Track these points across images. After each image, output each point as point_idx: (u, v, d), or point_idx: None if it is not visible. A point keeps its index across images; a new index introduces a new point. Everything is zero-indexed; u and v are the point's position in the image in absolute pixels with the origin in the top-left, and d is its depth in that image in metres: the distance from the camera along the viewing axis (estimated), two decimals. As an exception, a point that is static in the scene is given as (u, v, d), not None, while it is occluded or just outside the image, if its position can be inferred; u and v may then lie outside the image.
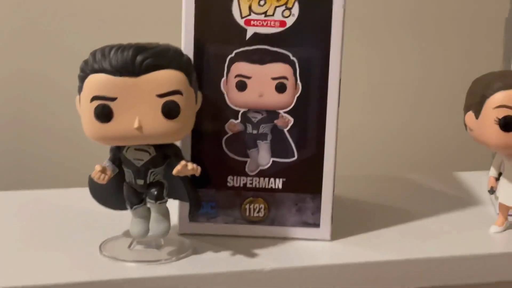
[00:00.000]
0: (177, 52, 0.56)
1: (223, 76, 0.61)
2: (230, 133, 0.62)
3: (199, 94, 0.59)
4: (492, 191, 0.67)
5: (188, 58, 0.58)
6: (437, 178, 0.83)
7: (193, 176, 0.58)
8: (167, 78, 0.55)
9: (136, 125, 0.55)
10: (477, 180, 0.81)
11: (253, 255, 0.61)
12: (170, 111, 0.55)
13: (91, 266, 0.58)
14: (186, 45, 0.61)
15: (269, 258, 0.61)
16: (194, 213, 0.60)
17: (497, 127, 0.63)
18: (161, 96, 0.55)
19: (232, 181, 0.63)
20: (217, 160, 0.62)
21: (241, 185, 0.63)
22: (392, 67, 0.97)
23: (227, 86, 0.61)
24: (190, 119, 0.57)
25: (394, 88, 0.98)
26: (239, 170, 0.63)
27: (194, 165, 0.56)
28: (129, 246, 0.60)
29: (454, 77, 0.96)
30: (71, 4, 0.89)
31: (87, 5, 0.89)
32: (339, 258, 0.62)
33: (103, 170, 0.56)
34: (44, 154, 0.91)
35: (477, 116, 0.65)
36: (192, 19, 0.60)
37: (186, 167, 0.56)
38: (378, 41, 0.97)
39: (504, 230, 0.68)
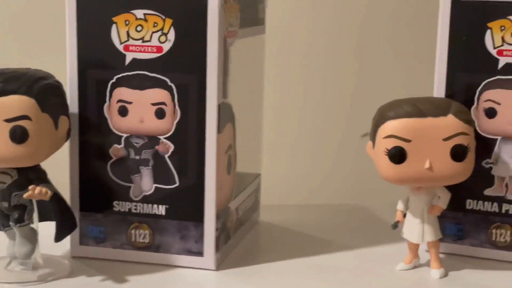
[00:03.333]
0: (32, 78, 0.58)
1: (105, 101, 0.62)
2: (114, 158, 0.63)
3: (63, 119, 0.59)
4: (395, 225, 0.63)
5: (46, 85, 0.58)
6: (375, 207, 0.80)
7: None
8: (13, 104, 0.56)
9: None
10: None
11: (131, 281, 0.61)
12: (15, 134, 0.56)
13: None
14: (71, 71, 0.62)
15: (147, 285, 0.60)
16: (61, 236, 0.61)
17: (386, 158, 0.60)
18: (8, 121, 0.56)
19: (118, 206, 0.63)
20: (103, 185, 0.63)
21: (127, 210, 0.63)
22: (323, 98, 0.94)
23: (110, 111, 0.62)
24: (44, 144, 0.58)
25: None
26: (124, 195, 0.63)
27: (43, 189, 0.57)
28: (6, 267, 0.62)
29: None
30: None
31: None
32: (220, 288, 0.60)
33: None
34: None
35: (374, 146, 0.61)
36: (75, 45, 0.62)
37: (34, 191, 0.57)
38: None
39: (412, 269, 0.64)
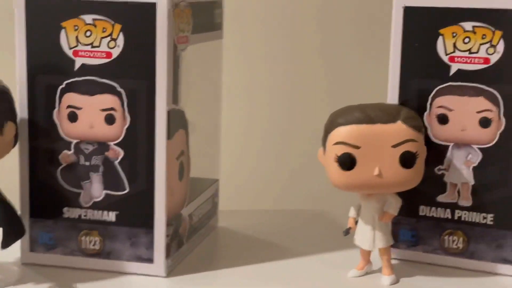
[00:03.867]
0: None
1: (55, 107, 0.61)
2: (64, 164, 0.62)
3: (9, 125, 0.59)
4: (347, 232, 0.63)
5: None
6: (336, 213, 0.79)
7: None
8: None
9: None
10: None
11: (80, 289, 0.60)
12: None
13: None
14: (20, 76, 0.61)
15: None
16: (8, 243, 0.60)
17: (336, 165, 0.59)
18: None
19: (68, 212, 0.63)
20: (53, 191, 0.62)
21: (77, 216, 0.63)
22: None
23: (59, 117, 0.61)
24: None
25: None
26: (74, 201, 0.62)
27: None
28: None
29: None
30: None
31: None
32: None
33: None
34: None
35: (324, 152, 0.61)
36: (24, 50, 0.61)
37: None
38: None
39: (364, 275, 0.63)
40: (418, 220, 0.66)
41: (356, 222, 0.63)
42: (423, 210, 0.66)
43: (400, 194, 0.64)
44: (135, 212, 0.62)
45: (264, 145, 0.95)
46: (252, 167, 0.94)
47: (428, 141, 0.64)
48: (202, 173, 0.73)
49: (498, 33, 0.61)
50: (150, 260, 0.62)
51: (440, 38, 0.63)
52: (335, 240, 0.71)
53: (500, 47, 0.61)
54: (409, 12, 0.63)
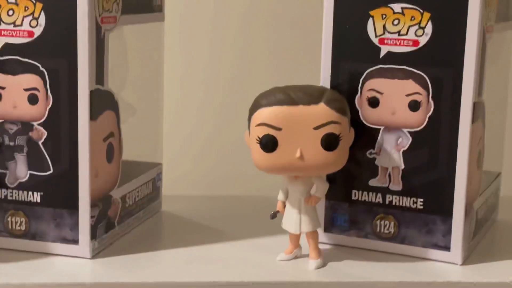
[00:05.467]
0: None
1: (-21, 86, 0.61)
2: (-11, 144, 0.62)
3: None
4: (274, 215, 0.62)
5: None
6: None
7: None
8: None
9: None
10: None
11: (4, 269, 0.60)
12: None
13: None
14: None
15: (20, 274, 0.60)
16: None
17: (258, 147, 0.59)
18: None
19: (-6, 192, 0.63)
20: (-21, 171, 0.62)
21: (3, 197, 0.62)
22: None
23: (-16, 96, 0.61)
24: None
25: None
26: (0, 182, 0.62)
27: None
28: None
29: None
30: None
31: None
32: (95, 277, 0.59)
33: None
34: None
35: (249, 134, 0.60)
36: None
37: None
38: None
39: (293, 259, 0.63)
40: (351, 204, 0.65)
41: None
42: (356, 195, 0.65)
43: (333, 178, 0.63)
44: (59, 193, 0.61)
45: (209, 130, 0.96)
46: (198, 153, 0.94)
47: (359, 125, 0.63)
48: (143, 157, 0.72)
49: (427, 15, 0.60)
50: (75, 241, 0.62)
51: (370, 20, 0.62)
52: (271, 224, 0.70)
53: (429, 29, 0.60)
54: (340, -6, 0.63)
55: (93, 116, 0.60)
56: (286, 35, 0.94)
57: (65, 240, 0.62)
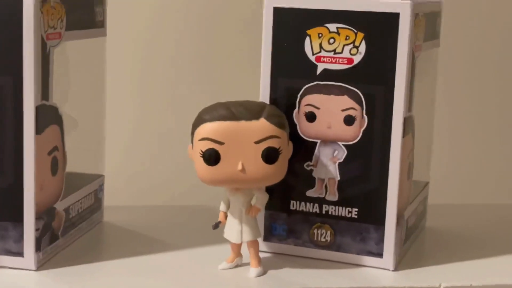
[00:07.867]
0: None
1: None
2: None
3: None
4: (216, 226, 0.65)
5: None
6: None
7: None
8: None
9: None
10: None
11: None
12: None
13: None
14: None
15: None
16: None
17: (202, 160, 0.61)
18: None
19: None
20: None
21: (-52, 210, 0.63)
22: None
23: None
24: None
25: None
26: None
27: None
28: None
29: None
30: None
31: None
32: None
33: None
34: None
35: (192, 148, 0.63)
36: None
37: None
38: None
39: (234, 267, 0.65)
40: (289, 214, 0.68)
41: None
42: (294, 205, 0.68)
43: (272, 189, 0.66)
44: (4, 206, 0.62)
45: (151, 143, 0.98)
46: (139, 164, 0.95)
47: (297, 138, 0.66)
48: (85, 169, 0.74)
49: (360, 35, 0.64)
50: (20, 253, 0.63)
51: (308, 38, 0.65)
52: (212, 234, 0.73)
53: (362, 48, 0.64)
54: (279, 13, 0.65)
55: (39, 130, 0.62)
56: (226, 51, 0.97)
57: (9, 253, 0.63)
